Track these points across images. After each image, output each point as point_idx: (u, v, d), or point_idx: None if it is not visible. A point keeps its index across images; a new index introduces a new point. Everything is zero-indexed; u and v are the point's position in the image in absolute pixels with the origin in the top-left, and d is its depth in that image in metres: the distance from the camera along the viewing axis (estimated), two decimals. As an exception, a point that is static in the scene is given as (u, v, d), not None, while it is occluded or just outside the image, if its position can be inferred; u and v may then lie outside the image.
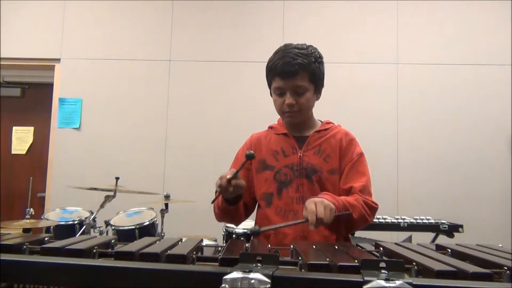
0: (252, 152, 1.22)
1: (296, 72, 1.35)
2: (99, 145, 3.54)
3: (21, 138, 3.91)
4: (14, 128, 3.91)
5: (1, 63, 3.61)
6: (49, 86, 3.70)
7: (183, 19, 3.66)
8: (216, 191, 1.28)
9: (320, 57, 1.43)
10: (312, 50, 1.40)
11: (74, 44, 3.67)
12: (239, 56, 3.59)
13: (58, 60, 3.66)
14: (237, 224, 1.53)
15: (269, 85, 1.47)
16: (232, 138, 3.44)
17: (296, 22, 3.59)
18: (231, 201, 1.35)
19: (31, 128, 3.91)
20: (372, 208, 1.35)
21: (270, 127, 1.55)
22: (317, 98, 1.47)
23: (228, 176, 1.20)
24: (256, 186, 1.46)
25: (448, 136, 3.43)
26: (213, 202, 1.36)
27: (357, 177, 1.38)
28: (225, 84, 3.58)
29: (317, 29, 3.53)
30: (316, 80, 1.41)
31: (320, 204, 1.14)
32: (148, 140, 3.55)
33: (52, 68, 3.66)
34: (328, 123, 1.52)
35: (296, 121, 1.44)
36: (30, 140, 3.91)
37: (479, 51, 3.51)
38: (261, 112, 3.46)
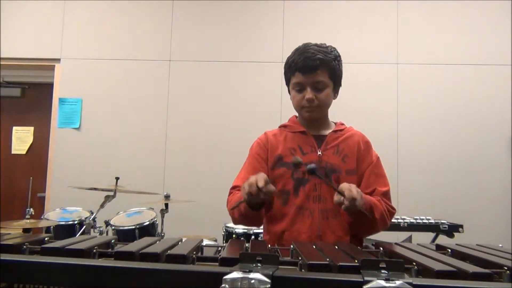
0: (300, 160, 1.24)
1: (316, 67, 1.37)
2: (99, 145, 3.54)
3: (21, 138, 3.90)
4: (14, 128, 3.91)
5: (1, 63, 3.61)
6: (49, 86, 3.70)
7: (183, 19, 3.66)
8: (241, 197, 1.22)
9: (339, 56, 1.46)
10: (332, 49, 1.44)
11: (74, 44, 3.66)
12: (239, 56, 3.59)
13: (58, 60, 3.66)
14: (258, 226, 1.52)
15: (288, 82, 1.48)
16: (232, 138, 3.48)
17: (296, 22, 3.58)
18: (256, 207, 1.29)
19: (31, 128, 3.91)
20: (391, 213, 1.38)
21: (283, 126, 1.54)
22: (335, 97, 1.49)
23: (260, 184, 1.15)
24: (271, 182, 1.44)
25: (448, 136, 3.43)
26: (233, 208, 1.29)
27: (380, 181, 1.42)
28: (225, 84, 3.58)
29: (317, 29, 3.53)
30: (335, 78, 1.44)
31: (354, 188, 1.19)
32: (148, 140, 3.55)
33: (52, 68, 3.66)
34: (342, 124, 1.54)
35: (314, 117, 1.45)
36: (30, 140, 3.90)
37: (479, 51, 3.50)
38: (261, 112, 3.47)
